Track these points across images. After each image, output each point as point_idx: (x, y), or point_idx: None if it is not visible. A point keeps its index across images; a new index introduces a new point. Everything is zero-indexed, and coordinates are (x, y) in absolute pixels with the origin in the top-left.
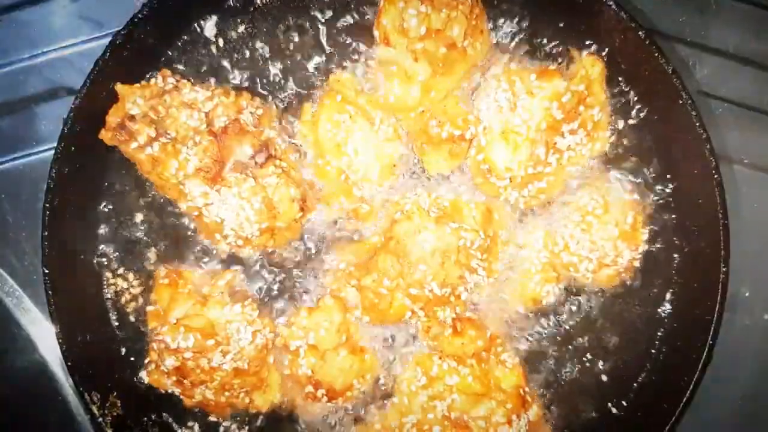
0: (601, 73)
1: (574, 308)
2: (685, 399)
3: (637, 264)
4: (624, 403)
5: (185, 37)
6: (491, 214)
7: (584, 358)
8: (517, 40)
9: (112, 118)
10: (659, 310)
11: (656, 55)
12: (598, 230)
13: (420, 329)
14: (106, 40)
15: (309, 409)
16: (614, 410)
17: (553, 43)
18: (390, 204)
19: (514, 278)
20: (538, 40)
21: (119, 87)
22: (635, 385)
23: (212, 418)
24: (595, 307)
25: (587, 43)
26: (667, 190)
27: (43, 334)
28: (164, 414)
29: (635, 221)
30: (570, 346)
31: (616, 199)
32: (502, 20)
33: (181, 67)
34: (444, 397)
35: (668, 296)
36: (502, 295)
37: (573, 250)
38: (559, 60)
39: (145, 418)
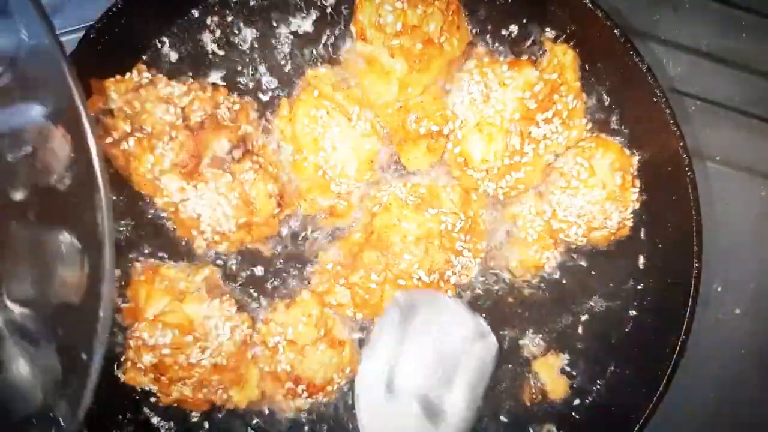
0: (573, 60)
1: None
2: (657, 393)
3: (629, 224)
4: (595, 396)
5: (162, 31)
6: (469, 195)
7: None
8: (490, 35)
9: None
10: (632, 304)
11: (631, 53)
12: (584, 194)
13: None
14: (80, 34)
15: (289, 405)
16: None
17: (526, 39)
18: (368, 198)
19: (515, 249)
20: (511, 36)
21: (93, 81)
22: (605, 379)
23: (188, 415)
24: (559, 301)
25: (561, 39)
26: (640, 186)
27: None
28: (140, 412)
29: (624, 181)
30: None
31: (602, 160)
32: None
33: (157, 60)
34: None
35: (641, 291)
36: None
37: (561, 216)
38: (532, 51)
39: (121, 416)
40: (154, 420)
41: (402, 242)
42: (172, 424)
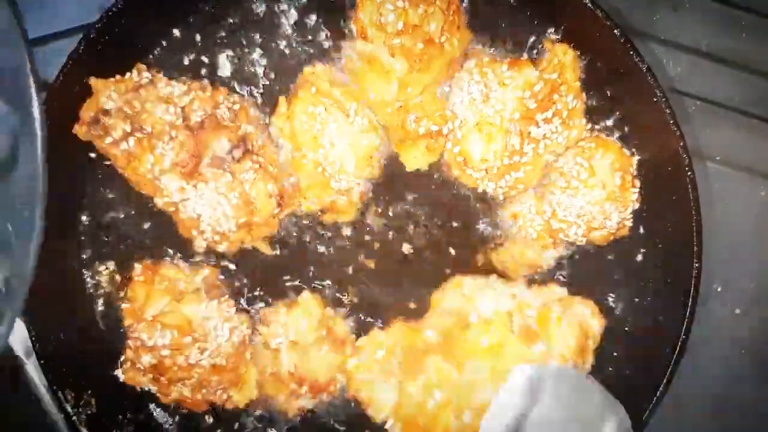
0: (574, 60)
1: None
2: (657, 393)
3: (628, 224)
4: None
5: (162, 31)
6: (587, 341)
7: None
8: (490, 35)
9: (86, 112)
10: (632, 303)
11: (631, 53)
12: (584, 194)
13: None
14: (80, 34)
15: (290, 405)
16: None
17: (526, 39)
18: (454, 293)
19: (514, 248)
20: (511, 35)
21: (93, 81)
22: (605, 379)
23: (189, 415)
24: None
25: (561, 39)
26: (640, 187)
27: (15, 332)
28: (140, 412)
29: (623, 181)
30: None
31: (602, 160)
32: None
33: (157, 61)
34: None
35: (641, 290)
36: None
37: (561, 216)
38: (532, 51)
39: (120, 416)
40: (153, 420)
41: (487, 374)
42: (173, 421)
